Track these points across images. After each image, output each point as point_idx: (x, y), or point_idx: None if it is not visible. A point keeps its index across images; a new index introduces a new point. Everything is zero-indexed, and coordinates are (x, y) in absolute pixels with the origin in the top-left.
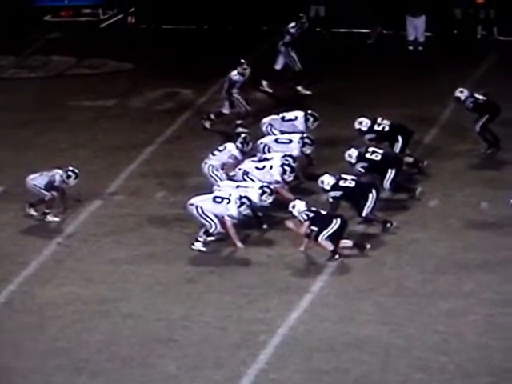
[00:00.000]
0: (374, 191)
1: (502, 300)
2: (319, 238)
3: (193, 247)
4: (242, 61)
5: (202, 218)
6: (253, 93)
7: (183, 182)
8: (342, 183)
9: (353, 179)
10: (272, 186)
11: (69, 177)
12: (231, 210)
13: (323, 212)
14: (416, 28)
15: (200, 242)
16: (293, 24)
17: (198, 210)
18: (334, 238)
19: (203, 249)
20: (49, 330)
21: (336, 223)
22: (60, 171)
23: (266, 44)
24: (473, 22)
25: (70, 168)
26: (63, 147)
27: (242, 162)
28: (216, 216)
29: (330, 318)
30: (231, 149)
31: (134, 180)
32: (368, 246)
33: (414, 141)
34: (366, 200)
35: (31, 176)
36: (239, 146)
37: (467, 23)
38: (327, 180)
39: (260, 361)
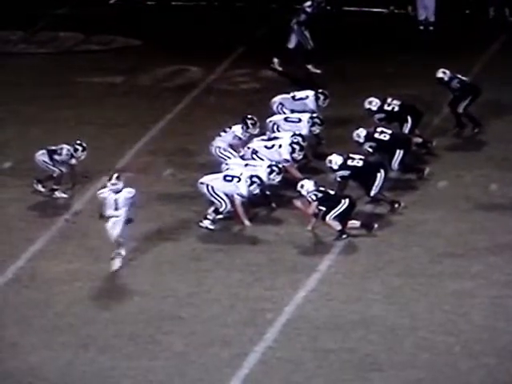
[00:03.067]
0: (382, 171)
1: (509, 282)
2: (327, 218)
3: (201, 225)
4: None
5: (213, 196)
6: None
7: (191, 159)
8: (349, 163)
9: (361, 159)
10: (280, 165)
11: (76, 150)
12: (241, 188)
13: (331, 192)
14: (426, 8)
15: (208, 219)
16: (309, 3)
17: (208, 189)
18: (342, 218)
19: (211, 227)
20: (56, 306)
21: (344, 203)
22: (67, 146)
23: (276, 21)
24: (485, 3)
25: (78, 142)
26: (70, 123)
27: (250, 141)
28: (226, 195)
29: (337, 297)
30: (235, 130)
31: (141, 157)
32: (375, 225)
33: (423, 122)
34: (374, 180)
35: (40, 152)
36: (244, 127)
37: (479, 3)
38: (335, 159)
39: (267, 339)
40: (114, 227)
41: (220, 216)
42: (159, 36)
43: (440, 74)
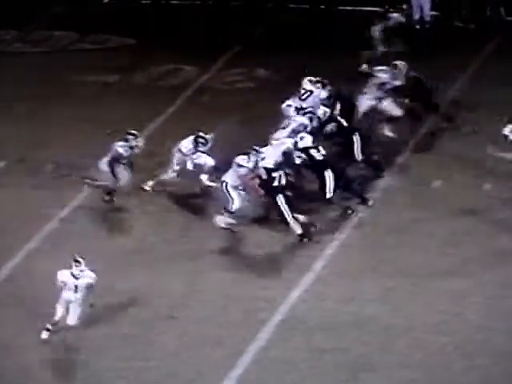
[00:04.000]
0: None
1: (503, 282)
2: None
3: (220, 224)
4: None
5: (225, 194)
6: None
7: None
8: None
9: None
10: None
11: (127, 140)
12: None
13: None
14: (421, 7)
15: (225, 217)
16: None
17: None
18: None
19: (223, 225)
20: (51, 305)
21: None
22: (118, 142)
23: (272, 20)
24: (482, 2)
25: (127, 133)
26: (66, 122)
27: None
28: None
29: (331, 297)
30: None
31: (137, 156)
32: (370, 202)
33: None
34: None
35: (102, 160)
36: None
37: (476, 3)
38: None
39: (260, 339)
40: (73, 315)
41: (231, 215)
42: (154, 35)
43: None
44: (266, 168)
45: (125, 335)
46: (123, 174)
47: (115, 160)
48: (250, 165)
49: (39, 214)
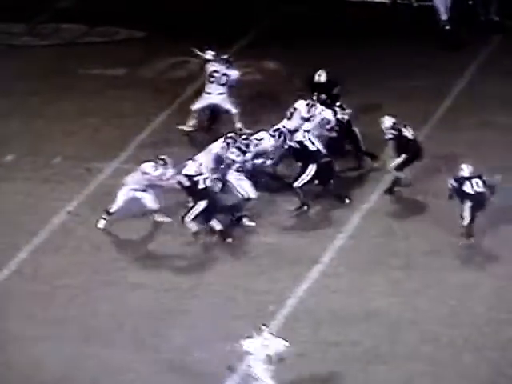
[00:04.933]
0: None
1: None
2: None
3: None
4: None
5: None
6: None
7: (193, 151)
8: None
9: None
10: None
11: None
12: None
13: None
14: (447, 7)
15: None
16: None
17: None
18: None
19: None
20: (58, 298)
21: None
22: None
23: (279, 12)
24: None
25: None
26: (73, 115)
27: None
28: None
29: (340, 289)
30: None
31: (144, 149)
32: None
33: (419, 116)
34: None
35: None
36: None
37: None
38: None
39: (272, 324)
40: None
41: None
42: (162, 28)
43: None
44: (186, 175)
45: (133, 327)
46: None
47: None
48: (157, 173)
49: (46, 208)
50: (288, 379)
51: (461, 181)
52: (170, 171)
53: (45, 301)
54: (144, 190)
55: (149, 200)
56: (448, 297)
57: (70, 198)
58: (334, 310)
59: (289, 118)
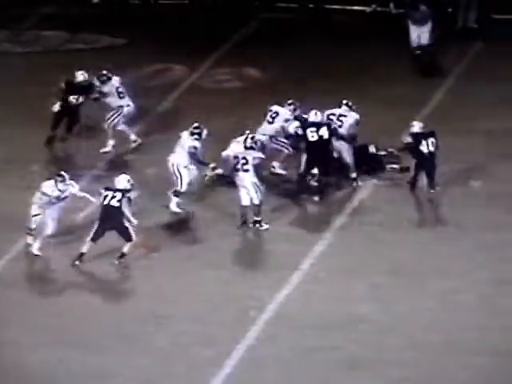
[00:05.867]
0: None
1: (495, 279)
2: None
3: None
4: None
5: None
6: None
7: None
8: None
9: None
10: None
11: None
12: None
13: None
14: (419, 36)
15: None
16: None
17: None
18: None
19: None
20: (42, 305)
21: None
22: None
23: (260, 19)
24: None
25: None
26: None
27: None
28: None
29: (321, 295)
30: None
31: (125, 155)
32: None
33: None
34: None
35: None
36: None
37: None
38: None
39: (250, 337)
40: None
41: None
42: (144, 35)
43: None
44: (108, 188)
45: (119, 333)
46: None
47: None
48: (55, 193)
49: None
50: None
51: (417, 138)
52: (73, 188)
53: (28, 308)
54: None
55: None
56: (430, 302)
57: None
58: (315, 315)
59: (270, 122)
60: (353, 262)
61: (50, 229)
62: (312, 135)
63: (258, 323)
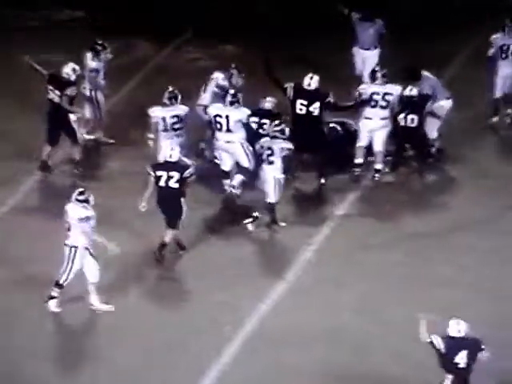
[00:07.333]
0: None
1: (486, 289)
2: None
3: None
4: None
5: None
6: None
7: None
8: None
9: None
10: None
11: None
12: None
13: None
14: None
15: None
16: None
17: None
18: None
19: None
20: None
21: None
22: None
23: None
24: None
25: None
26: (12, 103)
27: None
28: None
29: (305, 306)
30: None
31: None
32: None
33: None
34: None
35: None
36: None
37: None
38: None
39: (229, 346)
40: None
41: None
42: (105, 9)
43: None
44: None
45: (95, 345)
46: None
47: None
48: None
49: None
50: None
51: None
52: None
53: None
54: None
55: None
56: (418, 313)
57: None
58: (298, 326)
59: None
60: (339, 271)
61: None
62: (300, 108)
63: (238, 332)
